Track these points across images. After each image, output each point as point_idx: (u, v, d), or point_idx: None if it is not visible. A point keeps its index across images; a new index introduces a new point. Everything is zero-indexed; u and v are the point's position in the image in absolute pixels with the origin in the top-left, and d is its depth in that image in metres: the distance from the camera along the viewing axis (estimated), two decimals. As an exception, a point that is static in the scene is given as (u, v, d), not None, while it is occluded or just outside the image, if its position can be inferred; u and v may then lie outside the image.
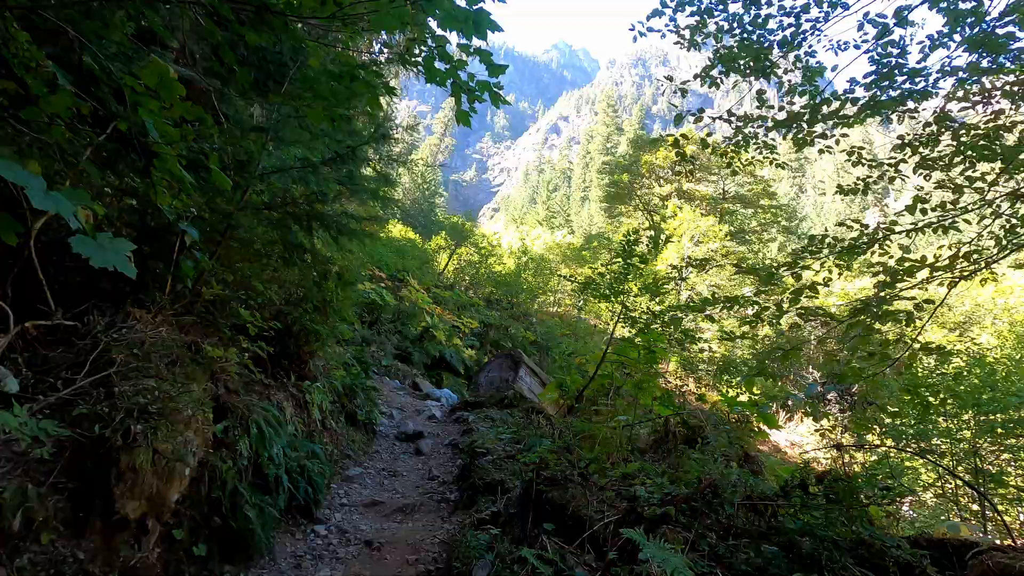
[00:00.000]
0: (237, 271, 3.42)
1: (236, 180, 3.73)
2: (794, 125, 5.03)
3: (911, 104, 4.60)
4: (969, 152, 4.16)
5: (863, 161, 5.03)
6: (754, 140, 5.34)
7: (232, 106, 3.85)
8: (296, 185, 4.00)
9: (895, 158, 4.85)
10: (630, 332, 6.71)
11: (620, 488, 2.63)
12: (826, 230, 6.20)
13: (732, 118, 5.04)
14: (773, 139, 5.39)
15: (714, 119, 5.27)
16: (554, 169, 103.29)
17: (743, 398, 6.21)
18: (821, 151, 5.51)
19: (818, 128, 5.26)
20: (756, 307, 5.01)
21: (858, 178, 5.02)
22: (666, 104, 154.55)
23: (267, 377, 3.62)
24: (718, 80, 5.31)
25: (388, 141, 3.88)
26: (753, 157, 5.53)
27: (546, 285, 24.94)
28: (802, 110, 4.67)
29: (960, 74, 4.20)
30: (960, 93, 4.41)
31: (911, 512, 8.96)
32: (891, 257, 4.49)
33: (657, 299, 6.53)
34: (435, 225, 37.61)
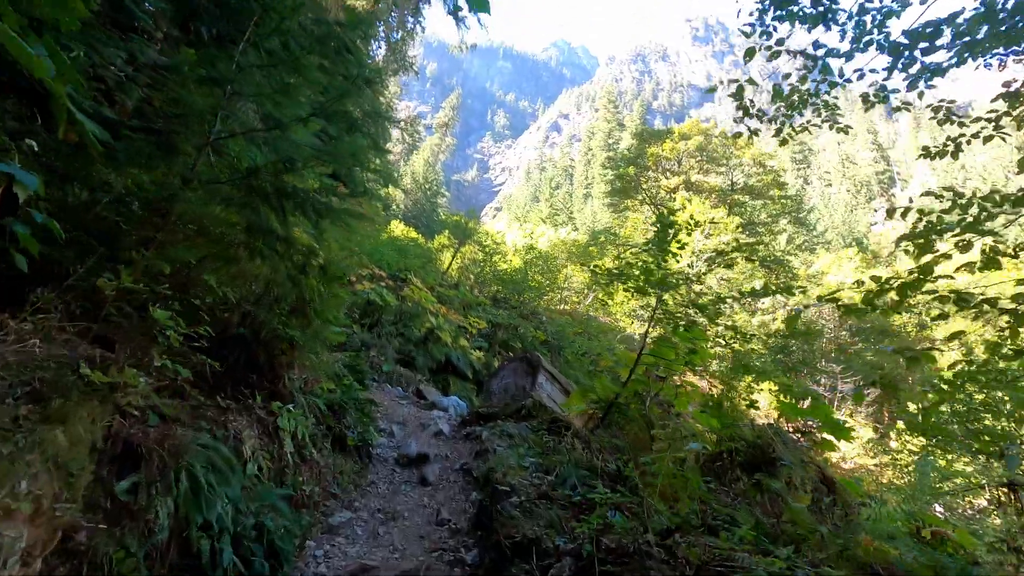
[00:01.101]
0: (177, 262, 2.61)
1: (181, 146, 2.93)
2: (865, 73, 4.19)
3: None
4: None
5: (954, 118, 4.18)
6: (812, 101, 4.50)
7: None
8: (263, 153, 3.19)
9: (996, 112, 4.01)
10: (660, 330, 5.87)
11: (724, 567, 1.79)
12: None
13: (799, 55, 4.18)
14: (835, 97, 4.54)
15: (790, 53, 4.39)
16: (556, 167, 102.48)
17: (802, 405, 5.35)
18: (897, 108, 4.66)
19: (895, 79, 4.39)
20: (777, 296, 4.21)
21: (949, 138, 4.16)
22: (666, 100, 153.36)
23: (225, 399, 2.80)
24: (769, 29, 4.45)
25: (375, 89, 3.06)
26: (808, 122, 4.68)
27: (554, 282, 24.13)
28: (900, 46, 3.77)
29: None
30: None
31: None
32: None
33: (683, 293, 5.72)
34: (437, 225, 36.88)
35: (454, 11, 13.33)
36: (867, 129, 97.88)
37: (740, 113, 4.41)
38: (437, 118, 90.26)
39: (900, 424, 20.00)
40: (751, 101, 4.61)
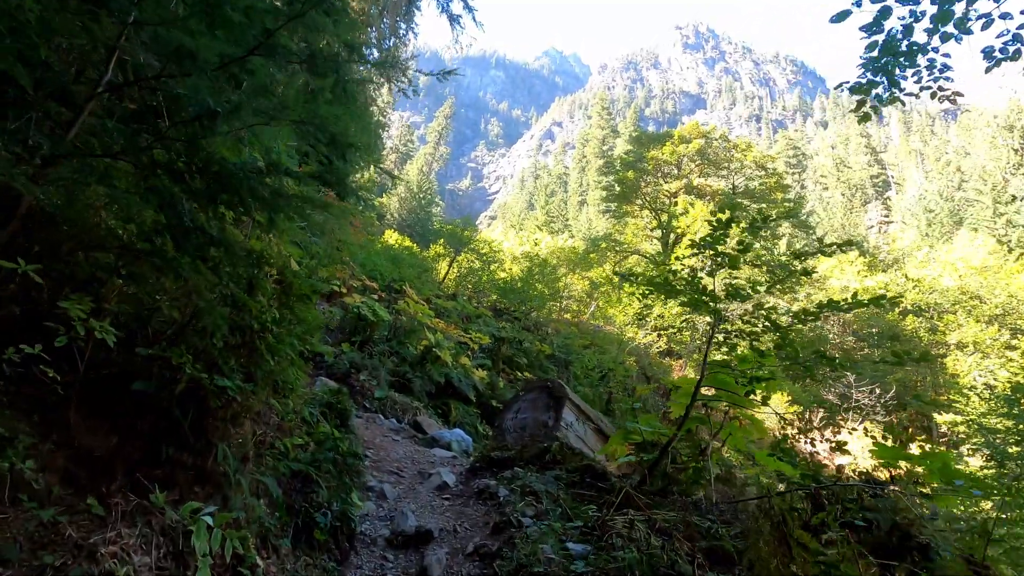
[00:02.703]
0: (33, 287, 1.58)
1: (41, 101, 1.89)
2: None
3: None
4: None
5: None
6: (929, 63, 3.54)
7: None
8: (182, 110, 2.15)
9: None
10: (716, 354, 4.84)
11: None
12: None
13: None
14: (947, 56, 3.58)
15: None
16: (550, 174, 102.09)
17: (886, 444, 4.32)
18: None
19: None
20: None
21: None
22: (658, 107, 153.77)
23: (109, 495, 1.75)
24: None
25: (337, 18, 2.04)
26: (922, 83, 3.71)
27: (555, 291, 23.15)
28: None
29: None
30: None
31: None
32: None
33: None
34: (432, 234, 35.96)
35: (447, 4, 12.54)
36: (859, 133, 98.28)
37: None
38: (430, 127, 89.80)
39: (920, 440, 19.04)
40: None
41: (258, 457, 2.54)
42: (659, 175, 32.66)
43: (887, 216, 74.49)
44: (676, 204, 30.44)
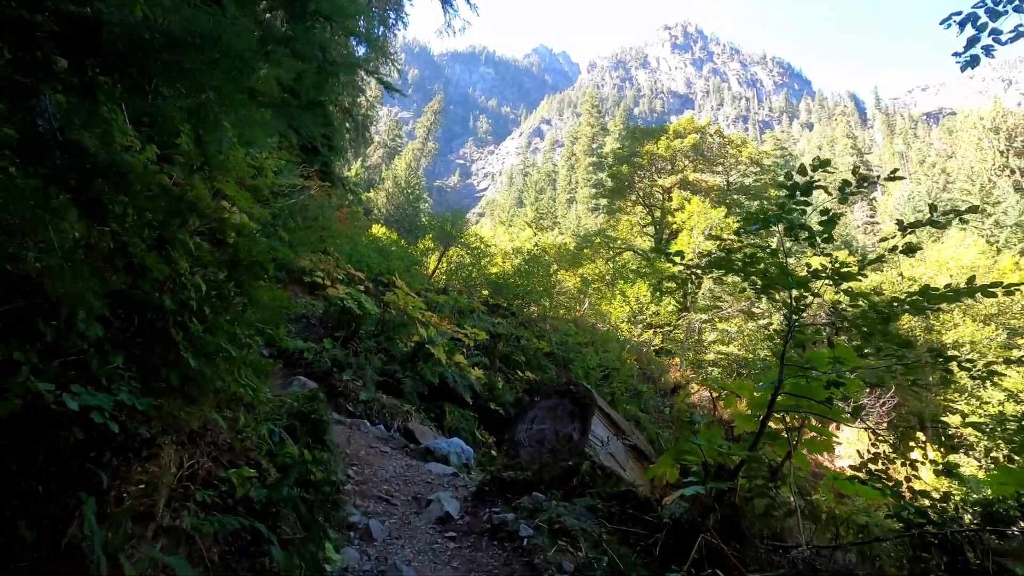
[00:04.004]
0: None
1: None
2: None
3: None
4: None
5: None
6: None
7: None
8: None
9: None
10: (765, 352, 4.03)
11: None
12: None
13: None
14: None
15: None
16: (539, 172, 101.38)
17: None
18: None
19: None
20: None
21: None
22: (647, 106, 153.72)
23: None
24: None
25: None
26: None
27: (548, 287, 22.35)
28: None
29: None
30: None
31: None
32: None
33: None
34: (420, 230, 35.00)
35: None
36: (845, 135, 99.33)
37: None
38: (419, 122, 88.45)
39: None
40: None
41: (177, 509, 1.64)
42: (653, 170, 32.05)
43: (872, 216, 75.14)
44: (670, 200, 29.82)
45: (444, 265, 21.49)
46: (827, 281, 2.86)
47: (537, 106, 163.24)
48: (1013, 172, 52.27)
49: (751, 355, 20.51)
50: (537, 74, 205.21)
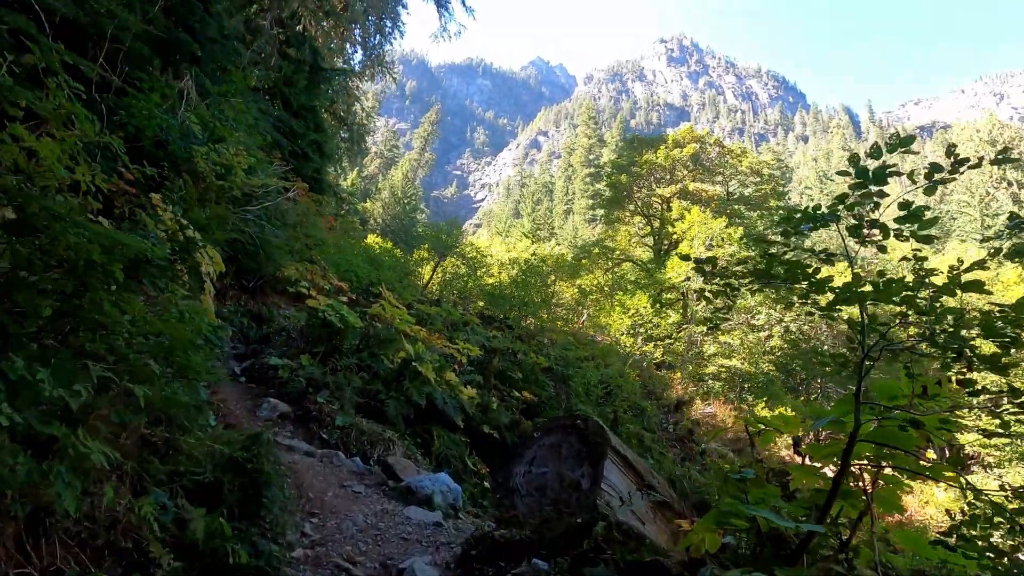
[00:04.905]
0: None
1: None
2: None
3: None
4: None
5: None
6: None
7: None
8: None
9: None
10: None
11: None
12: None
13: None
14: None
15: None
16: (536, 182, 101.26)
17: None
18: None
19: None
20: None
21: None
22: (643, 118, 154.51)
23: None
24: None
25: None
26: None
27: (546, 298, 21.67)
28: None
29: None
30: None
31: None
32: None
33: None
34: (416, 239, 34.41)
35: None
36: (841, 147, 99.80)
37: None
38: (416, 133, 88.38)
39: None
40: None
41: None
42: (652, 180, 31.59)
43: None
44: (670, 209, 29.28)
45: (439, 276, 20.84)
46: (926, 293, 2.19)
47: (534, 118, 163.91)
48: (1011, 184, 52.26)
49: (753, 368, 19.82)
50: (534, 86, 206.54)
